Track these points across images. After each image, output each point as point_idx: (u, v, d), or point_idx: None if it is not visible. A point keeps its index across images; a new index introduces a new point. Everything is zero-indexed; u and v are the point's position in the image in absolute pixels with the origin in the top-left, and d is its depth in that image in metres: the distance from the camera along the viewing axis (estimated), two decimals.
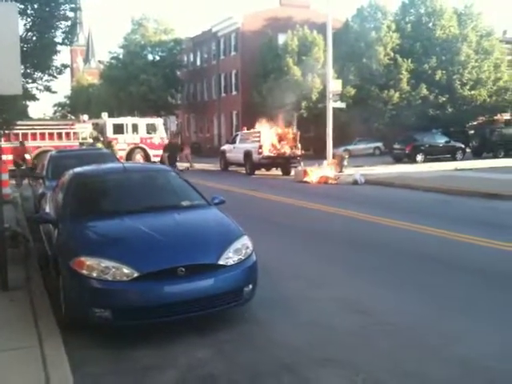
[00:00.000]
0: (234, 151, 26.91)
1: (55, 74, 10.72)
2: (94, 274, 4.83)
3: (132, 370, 4.41)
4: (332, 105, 24.22)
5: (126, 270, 4.82)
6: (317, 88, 36.42)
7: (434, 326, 5.19)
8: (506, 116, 48.57)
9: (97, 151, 14.28)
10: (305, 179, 20.60)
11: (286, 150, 24.52)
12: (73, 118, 44.22)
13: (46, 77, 10.54)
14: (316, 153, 31.84)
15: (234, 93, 46.39)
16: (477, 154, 33.55)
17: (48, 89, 11.13)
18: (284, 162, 24.60)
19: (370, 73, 38.46)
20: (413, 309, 5.72)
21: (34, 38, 9.40)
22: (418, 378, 4.13)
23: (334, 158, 23.88)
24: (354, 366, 4.35)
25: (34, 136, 26.27)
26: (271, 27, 41.42)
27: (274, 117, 27.45)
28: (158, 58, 50.09)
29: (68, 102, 78.32)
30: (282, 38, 40.26)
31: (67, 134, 27.22)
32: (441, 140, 32.89)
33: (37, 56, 9.41)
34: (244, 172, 25.58)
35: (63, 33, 10.14)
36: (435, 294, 6.25)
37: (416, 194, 15.99)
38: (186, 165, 26.71)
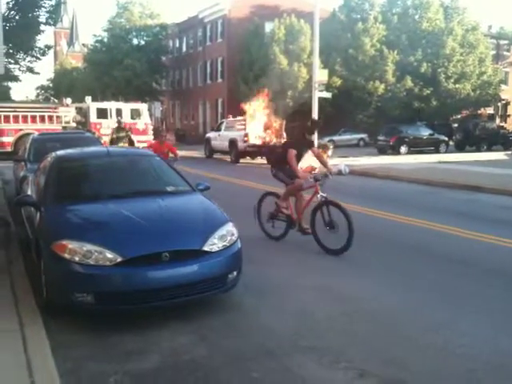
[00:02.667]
0: (219, 139, 26.80)
1: (38, 56, 10.56)
2: (77, 258, 4.77)
3: (114, 354, 4.39)
4: (318, 94, 24.19)
5: (109, 255, 4.78)
6: (303, 77, 36.37)
7: (415, 314, 5.24)
8: (490, 110, 49.10)
9: (79, 135, 14.09)
10: None
11: (272, 138, 24.48)
12: (56, 101, 43.59)
13: (28, 58, 10.36)
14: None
15: (219, 80, 46.12)
16: (460, 147, 33.87)
17: (31, 70, 10.99)
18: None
19: (356, 64, 38.49)
20: (394, 297, 5.77)
21: (17, 17, 9.22)
22: (399, 366, 4.16)
23: (318, 148, 23.87)
24: (336, 354, 4.37)
25: (15, 119, 25.85)
26: (258, 15, 41.18)
27: (260, 105, 27.30)
28: (142, 42, 49.49)
29: (51, 85, 77.30)
30: (268, 26, 40.06)
31: (50, 118, 26.84)
32: (425, 132, 33.11)
33: (20, 36, 9.26)
34: (229, 160, 25.50)
35: (47, 12, 9.96)
36: (416, 281, 6.32)
37: (399, 185, 16.09)
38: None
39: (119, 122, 25.71)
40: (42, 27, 26.35)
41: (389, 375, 4.01)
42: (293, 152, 7.92)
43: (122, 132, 24.56)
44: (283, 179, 8.32)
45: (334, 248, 7.40)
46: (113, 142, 23.07)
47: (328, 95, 25.59)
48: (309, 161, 20.97)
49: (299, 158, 8.33)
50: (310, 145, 8.57)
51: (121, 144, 23.66)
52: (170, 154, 12.09)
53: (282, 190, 8.57)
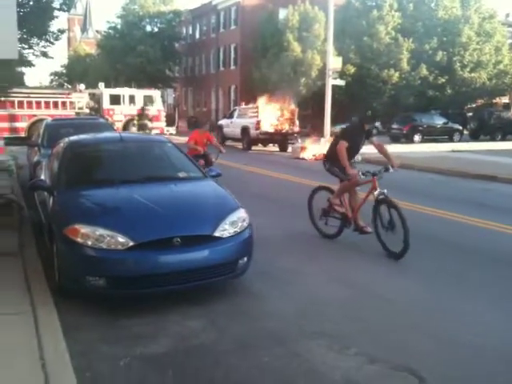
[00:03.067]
0: (232, 126, 26.75)
1: (52, 40, 10.57)
2: (89, 242, 4.81)
3: (124, 337, 4.43)
4: (331, 82, 24.02)
5: (121, 239, 4.81)
6: (316, 65, 36.08)
7: (427, 303, 5.23)
8: (505, 99, 48.47)
9: (93, 121, 14.13)
10: (301, 156, 20.54)
11: (284, 126, 24.41)
12: (69, 87, 43.71)
13: (42, 43, 10.38)
14: (314, 130, 31.71)
15: (232, 67, 45.94)
16: (474, 137, 33.51)
17: (44, 54, 11.01)
18: (281, 139, 24.50)
19: (371, 51, 38.12)
20: (401, 284, 5.78)
21: (31, 3, 9.24)
22: (409, 354, 4.16)
23: (331, 135, 23.77)
24: (346, 340, 4.38)
25: (29, 104, 25.99)
26: (272, 1, 40.78)
27: (273, 92, 27.23)
28: (156, 29, 49.32)
29: (64, 71, 77.39)
30: (282, 13, 39.71)
31: (63, 104, 26.94)
32: (439, 121, 32.79)
33: (33, 21, 9.28)
34: (241, 147, 25.47)
35: None
36: (423, 269, 6.31)
37: (412, 174, 15.98)
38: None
39: (143, 109, 26.47)
40: (56, 13, 26.49)
41: (398, 362, 4.02)
42: (344, 144, 7.09)
43: (145, 119, 25.14)
44: (338, 174, 7.52)
45: (394, 250, 6.67)
46: (137, 127, 24.33)
47: (342, 83, 25.40)
48: (322, 149, 21.03)
49: (355, 150, 7.58)
50: (368, 135, 7.66)
51: (145, 131, 24.21)
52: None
53: (331, 183, 8.25)
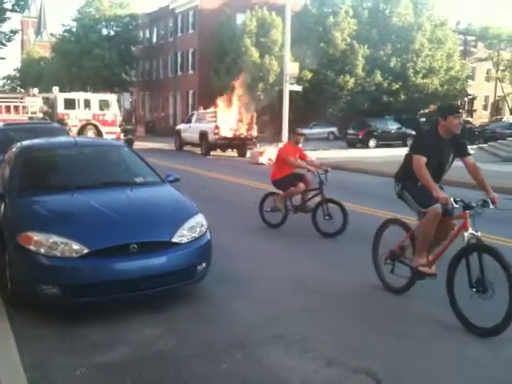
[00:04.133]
0: (190, 131, 26.65)
1: (4, 42, 10.27)
2: (42, 250, 4.69)
3: (80, 346, 4.34)
4: (289, 87, 24.26)
5: (75, 246, 4.71)
6: (274, 70, 36.39)
7: (383, 304, 5.33)
8: None
9: (46, 125, 13.81)
10: (260, 161, 20.63)
11: (242, 131, 24.48)
12: (22, 91, 42.57)
13: None
14: (272, 135, 31.91)
15: (190, 72, 45.78)
16: None
17: None
18: (240, 144, 24.55)
19: (327, 57, 38.68)
20: (360, 287, 5.86)
21: None
22: (366, 355, 4.23)
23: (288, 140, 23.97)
24: (304, 343, 4.41)
25: None
26: (230, 6, 40.91)
27: (231, 98, 27.27)
28: (112, 32, 48.72)
29: (18, 75, 75.44)
30: (240, 18, 39.88)
31: (16, 108, 26.22)
32: (393, 126, 33.58)
33: None
34: (199, 152, 25.39)
35: None
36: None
37: (368, 178, 16.30)
38: None
39: (130, 115, 26.69)
40: (8, 14, 25.80)
41: (356, 364, 4.06)
42: (421, 160, 5.01)
43: (129, 124, 25.99)
44: (412, 205, 5.35)
45: (484, 327, 4.55)
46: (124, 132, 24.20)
47: (299, 88, 25.71)
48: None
49: (439, 170, 5.28)
50: (460, 149, 5.33)
51: (130, 136, 24.90)
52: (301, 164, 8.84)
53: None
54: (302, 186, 8.47)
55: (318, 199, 8.54)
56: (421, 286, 5.35)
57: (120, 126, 26.45)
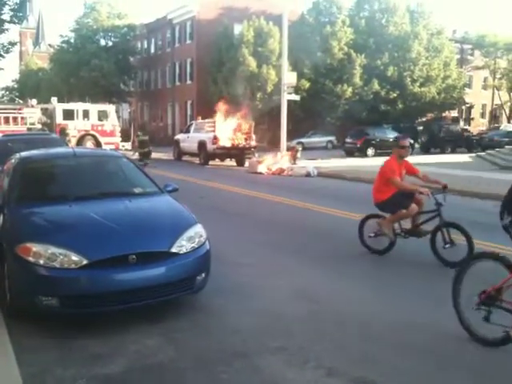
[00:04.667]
0: (188, 141, 26.68)
1: (2, 53, 10.29)
2: (41, 261, 4.68)
3: (80, 358, 4.31)
4: (286, 97, 24.33)
5: (74, 257, 4.70)
6: (272, 80, 36.50)
7: (383, 314, 5.31)
8: (454, 113, 50.19)
9: (45, 136, 13.84)
10: (258, 170, 20.66)
11: (241, 140, 24.52)
12: (21, 102, 42.66)
13: None
14: (270, 145, 31.97)
15: (188, 82, 45.90)
16: (425, 150, 34.50)
17: None
18: (238, 153, 24.59)
19: (325, 67, 38.85)
20: (360, 297, 5.84)
21: None
22: (367, 365, 4.21)
23: (287, 150, 24.04)
24: (305, 353, 4.39)
25: None
26: (227, 16, 41.12)
27: (229, 107, 27.36)
28: (110, 43, 48.87)
29: (16, 86, 75.63)
30: (237, 28, 40.04)
31: (14, 119, 26.32)
32: (391, 135, 33.49)
33: None
34: (198, 162, 25.41)
35: (11, 10, 9.69)
36: (381, 282, 6.40)
37: (366, 187, 16.21)
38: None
39: (143, 125, 25.44)
40: (6, 25, 25.89)
41: (357, 374, 4.05)
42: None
43: (145, 135, 24.25)
44: None
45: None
46: (137, 144, 23.36)
47: (297, 98, 25.79)
48: (280, 162, 21.24)
49: None
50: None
51: (146, 149, 23.55)
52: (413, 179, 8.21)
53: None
54: (414, 207, 7.26)
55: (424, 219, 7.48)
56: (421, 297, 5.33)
57: (136, 137, 25.42)
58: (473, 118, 56.33)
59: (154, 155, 30.85)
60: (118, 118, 33.28)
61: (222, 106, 25.87)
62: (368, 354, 4.41)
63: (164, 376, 4.05)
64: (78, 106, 30.25)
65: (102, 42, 48.82)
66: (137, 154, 24.35)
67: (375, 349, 4.50)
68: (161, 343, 4.60)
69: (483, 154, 28.24)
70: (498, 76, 53.09)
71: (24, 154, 6.98)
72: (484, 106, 58.39)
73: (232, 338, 4.70)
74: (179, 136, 28.94)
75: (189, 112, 45.65)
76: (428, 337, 4.74)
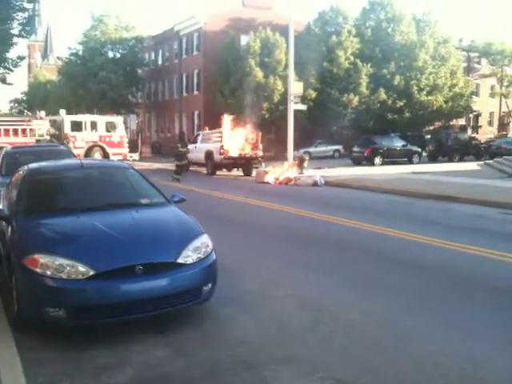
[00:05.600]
0: (196, 151, 26.75)
1: (11, 67, 10.41)
2: (48, 272, 4.70)
3: (87, 369, 4.31)
4: (293, 107, 24.39)
5: (81, 268, 4.71)
6: (278, 90, 36.64)
7: (390, 323, 5.27)
8: (461, 121, 50.07)
9: (53, 148, 13.94)
10: (266, 180, 20.67)
11: (248, 150, 24.57)
12: (29, 114, 43.05)
13: (1, 70, 10.24)
14: (277, 154, 32.01)
15: (195, 93, 46.15)
16: (433, 158, 34.42)
17: (3, 81, 10.84)
18: (245, 163, 24.63)
19: (331, 76, 38.94)
20: (370, 306, 5.79)
21: None
22: (375, 375, 4.18)
23: (294, 159, 24.05)
24: (312, 364, 4.37)
25: None
26: (234, 28, 41.40)
27: (236, 118, 27.47)
28: (118, 55, 49.33)
29: (25, 98, 76.42)
30: (244, 39, 40.30)
31: (23, 131, 26.55)
32: (398, 144, 33.60)
33: None
34: (205, 172, 25.48)
35: (20, 24, 9.83)
36: (389, 291, 6.36)
37: (373, 196, 16.26)
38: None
39: (181, 135, 23.58)
40: (15, 39, 26.23)
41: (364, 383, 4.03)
42: None
43: (184, 147, 22.65)
44: None
45: None
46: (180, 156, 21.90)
47: (303, 107, 25.84)
48: (287, 171, 21.25)
49: None
50: None
51: (184, 161, 22.30)
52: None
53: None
54: None
55: None
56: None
57: (180, 147, 22.76)
58: (480, 126, 56.18)
59: (162, 166, 31.11)
60: (126, 129, 33.47)
61: (228, 117, 25.97)
62: (377, 365, 4.38)
63: None
64: (86, 118, 30.49)
65: (110, 54, 49.29)
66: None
67: (384, 360, 4.46)
68: (168, 353, 4.59)
69: (491, 161, 28.14)
70: (505, 84, 52.98)
71: (32, 165, 7.03)
72: (492, 113, 58.25)
73: (239, 348, 4.69)
74: None
75: (196, 122, 45.88)
76: (434, 347, 4.70)
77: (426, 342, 4.81)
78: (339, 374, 4.19)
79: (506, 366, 4.34)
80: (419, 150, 33.89)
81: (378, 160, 31.34)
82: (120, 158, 27.94)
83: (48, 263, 4.73)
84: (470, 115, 53.25)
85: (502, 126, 57.98)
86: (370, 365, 4.37)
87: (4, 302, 5.46)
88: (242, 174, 24.84)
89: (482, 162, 29.83)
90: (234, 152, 24.34)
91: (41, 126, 27.50)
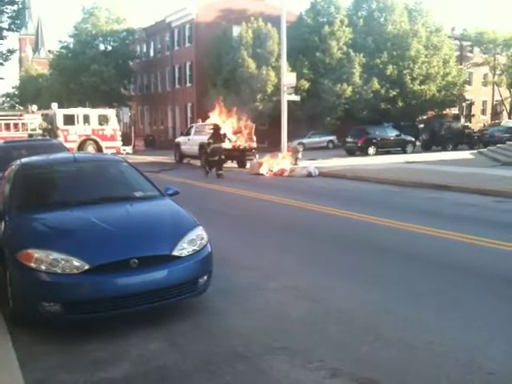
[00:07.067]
0: (189, 143, 26.70)
1: (1, 61, 10.31)
2: (43, 267, 4.69)
3: (83, 363, 4.32)
4: (286, 98, 24.31)
5: (76, 263, 4.71)
6: (271, 81, 36.54)
7: (385, 313, 5.30)
8: (454, 110, 50.15)
9: (46, 142, 13.87)
10: (260, 171, 20.66)
11: (242, 142, 24.51)
12: (21, 108, 42.73)
13: None
14: (270, 146, 31.99)
15: (188, 84, 45.97)
16: (426, 148, 34.48)
17: None
18: (239, 155, 24.56)
19: (324, 67, 38.87)
20: (364, 296, 5.82)
21: None
22: (371, 365, 4.21)
23: (288, 150, 24.03)
24: (308, 354, 4.39)
25: None
26: (226, 19, 41.21)
27: (230, 109, 27.38)
28: (109, 47, 48.99)
29: (16, 92, 75.90)
30: (236, 30, 40.11)
31: (15, 125, 26.38)
32: (392, 133, 33.63)
33: None
34: (199, 164, 25.42)
35: (10, 17, 9.71)
36: (383, 281, 6.39)
37: (368, 186, 16.28)
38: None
39: (215, 129, 20.68)
40: (5, 33, 26.01)
41: (361, 374, 4.05)
42: None
43: (218, 141, 20.46)
44: None
45: None
46: (209, 152, 20.16)
47: (297, 98, 25.78)
48: (281, 162, 21.23)
49: None
50: None
51: (217, 157, 19.89)
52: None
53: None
54: None
55: None
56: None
57: (207, 145, 20.56)
58: (473, 115, 56.31)
59: (155, 158, 31.01)
60: (119, 122, 33.29)
61: (222, 108, 25.87)
62: (372, 354, 4.40)
63: (168, 379, 4.05)
64: (78, 111, 30.31)
65: (102, 47, 48.95)
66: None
67: (380, 349, 4.49)
68: (164, 346, 4.60)
69: (485, 150, 28.21)
70: (497, 72, 53.08)
71: (24, 160, 7.00)
72: (484, 102, 58.41)
73: (235, 340, 4.70)
74: (180, 139, 28.95)
75: (189, 115, 45.72)
76: (430, 336, 4.74)
77: (422, 332, 4.84)
78: (335, 363, 4.21)
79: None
80: (413, 139, 33.93)
81: (371, 150, 31.37)
82: (113, 151, 27.80)
83: (42, 258, 4.72)
84: (463, 104, 53.40)
85: (495, 114, 58.16)
86: (365, 354, 4.39)
87: None
88: (236, 165, 24.80)
89: (475, 151, 29.89)
90: (227, 144, 24.27)
91: (33, 120, 27.32)
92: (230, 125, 24.85)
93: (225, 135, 21.09)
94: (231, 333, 4.88)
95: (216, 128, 20.70)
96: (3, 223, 5.62)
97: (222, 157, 20.37)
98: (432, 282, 6.30)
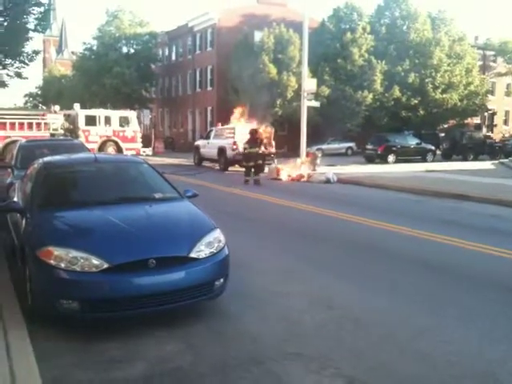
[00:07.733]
0: (208, 147, 26.81)
1: (26, 61, 10.48)
2: (62, 265, 4.73)
3: (99, 361, 4.34)
4: (306, 103, 24.27)
5: (95, 261, 4.74)
6: (292, 86, 36.54)
7: (402, 321, 5.24)
8: (476, 120, 49.64)
9: (68, 141, 14.02)
10: (278, 176, 20.64)
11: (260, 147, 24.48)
12: (44, 108, 43.27)
13: (16, 63, 10.30)
14: (289, 151, 31.96)
15: (209, 88, 46.18)
16: (447, 157, 34.15)
17: (19, 75, 10.91)
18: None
19: (345, 73, 38.77)
20: (380, 304, 5.77)
21: (6, 24, 9.17)
22: (386, 372, 4.16)
23: (307, 156, 23.97)
24: (323, 360, 4.36)
25: (3, 126, 25.69)
26: (248, 24, 41.34)
27: (249, 114, 27.43)
28: (132, 50, 49.45)
29: (39, 92, 76.90)
30: (258, 36, 40.21)
31: (38, 125, 26.70)
32: (412, 142, 33.38)
33: (8, 42, 9.19)
34: (218, 168, 25.51)
35: (36, 19, 9.89)
36: (402, 288, 6.32)
37: (386, 194, 16.16)
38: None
39: (252, 133, 19.53)
40: (31, 34, 26.42)
41: (376, 381, 4.01)
42: None
43: (255, 146, 19.38)
44: None
45: None
46: (244, 157, 19.65)
47: (317, 104, 25.72)
48: (299, 168, 21.17)
49: None
50: None
51: (251, 163, 19.05)
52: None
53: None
54: None
55: None
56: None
57: (244, 149, 19.79)
58: (496, 125, 55.63)
59: (175, 161, 31.15)
60: (140, 124, 33.56)
61: (241, 113, 25.91)
62: (387, 362, 4.36)
63: (183, 381, 4.05)
64: (99, 112, 30.61)
65: (124, 50, 49.42)
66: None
67: (395, 358, 4.44)
68: (179, 348, 4.60)
69: (506, 160, 27.85)
70: None
71: (46, 159, 7.09)
72: (507, 112, 57.70)
73: (250, 344, 4.69)
74: (199, 142, 29.09)
75: (209, 118, 45.92)
76: (446, 346, 4.67)
77: (439, 341, 4.78)
78: (350, 370, 4.18)
79: None
80: (433, 148, 33.63)
81: (391, 158, 31.15)
82: (133, 152, 28.03)
83: (62, 255, 4.76)
84: (485, 114, 52.77)
85: None
86: (382, 362, 4.35)
87: (18, 293, 5.50)
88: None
89: (496, 161, 29.55)
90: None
91: (55, 120, 27.64)
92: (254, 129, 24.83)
93: (261, 140, 20.06)
94: (246, 336, 4.87)
95: (253, 132, 19.75)
96: (24, 220, 5.69)
97: (259, 162, 19.38)
98: (451, 291, 6.23)
